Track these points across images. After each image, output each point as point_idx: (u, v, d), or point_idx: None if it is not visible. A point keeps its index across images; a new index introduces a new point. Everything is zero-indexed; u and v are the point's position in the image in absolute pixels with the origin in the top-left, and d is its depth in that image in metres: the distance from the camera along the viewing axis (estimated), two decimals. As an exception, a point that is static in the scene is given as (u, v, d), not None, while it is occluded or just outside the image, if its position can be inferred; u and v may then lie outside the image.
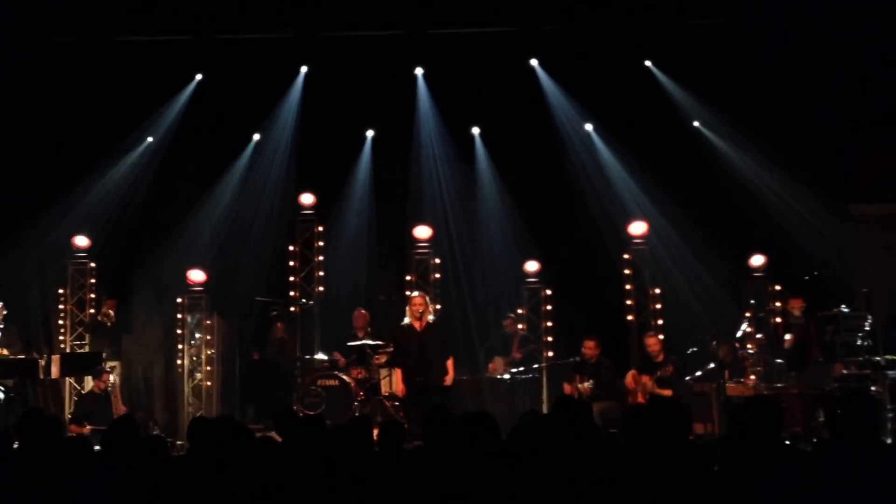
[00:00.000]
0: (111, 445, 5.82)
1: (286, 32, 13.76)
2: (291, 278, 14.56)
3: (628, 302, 13.86)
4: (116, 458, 5.16)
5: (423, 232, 14.26)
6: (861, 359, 11.11)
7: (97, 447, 6.52)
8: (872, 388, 10.71)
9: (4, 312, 12.96)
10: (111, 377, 12.71)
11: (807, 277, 12.79)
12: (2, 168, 13.96)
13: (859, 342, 11.19)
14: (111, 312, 13.78)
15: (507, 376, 13.10)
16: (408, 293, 13.39)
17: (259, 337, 14.77)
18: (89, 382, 13.18)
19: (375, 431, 6.28)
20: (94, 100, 13.91)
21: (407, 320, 11.77)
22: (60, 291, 14.36)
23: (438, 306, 13.48)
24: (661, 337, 12.70)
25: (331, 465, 5.41)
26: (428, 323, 11.69)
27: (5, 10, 12.67)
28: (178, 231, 14.65)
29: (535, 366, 13.42)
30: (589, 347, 12.30)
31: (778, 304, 12.90)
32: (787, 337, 12.02)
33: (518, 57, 14.24)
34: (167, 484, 5.14)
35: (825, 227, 13.75)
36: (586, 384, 11.96)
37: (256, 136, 15.19)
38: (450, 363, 11.59)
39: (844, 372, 11.12)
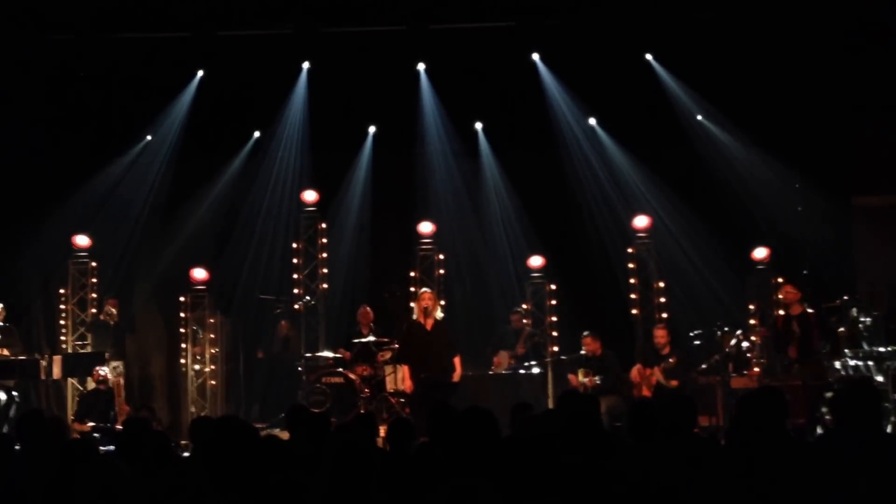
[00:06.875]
0: (124, 448, 5.80)
1: (287, 28, 13.73)
2: (295, 276, 14.54)
3: (632, 296, 13.85)
4: (129, 460, 5.14)
5: (426, 227, 14.25)
6: (864, 350, 11.10)
7: (105, 447, 6.52)
8: (876, 379, 10.72)
9: (4, 313, 12.95)
10: (109, 373, 12.66)
11: (805, 272, 12.79)
12: (2, 168, 13.94)
13: (862, 333, 11.19)
14: (114, 311, 13.76)
15: (511, 371, 13.05)
16: (413, 289, 13.35)
17: (263, 335, 14.75)
18: (92, 381, 13.17)
19: (381, 428, 6.26)
20: (94, 97, 13.89)
21: (414, 316, 11.69)
22: (61, 291, 14.33)
23: (443, 302, 13.46)
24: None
25: (336, 462, 5.39)
26: (436, 319, 11.60)
27: (5, 8, 12.65)
28: (180, 229, 14.64)
29: (541, 360, 13.39)
30: (587, 344, 12.28)
31: (781, 296, 12.89)
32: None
33: (520, 51, 14.21)
34: (170, 483, 5.12)
35: (828, 219, 13.73)
36: (592, 378, 11.94)
37: (257, 133, 15.16)
38: (457, 360, 11.55)
39: (837, 365, 11.15)
